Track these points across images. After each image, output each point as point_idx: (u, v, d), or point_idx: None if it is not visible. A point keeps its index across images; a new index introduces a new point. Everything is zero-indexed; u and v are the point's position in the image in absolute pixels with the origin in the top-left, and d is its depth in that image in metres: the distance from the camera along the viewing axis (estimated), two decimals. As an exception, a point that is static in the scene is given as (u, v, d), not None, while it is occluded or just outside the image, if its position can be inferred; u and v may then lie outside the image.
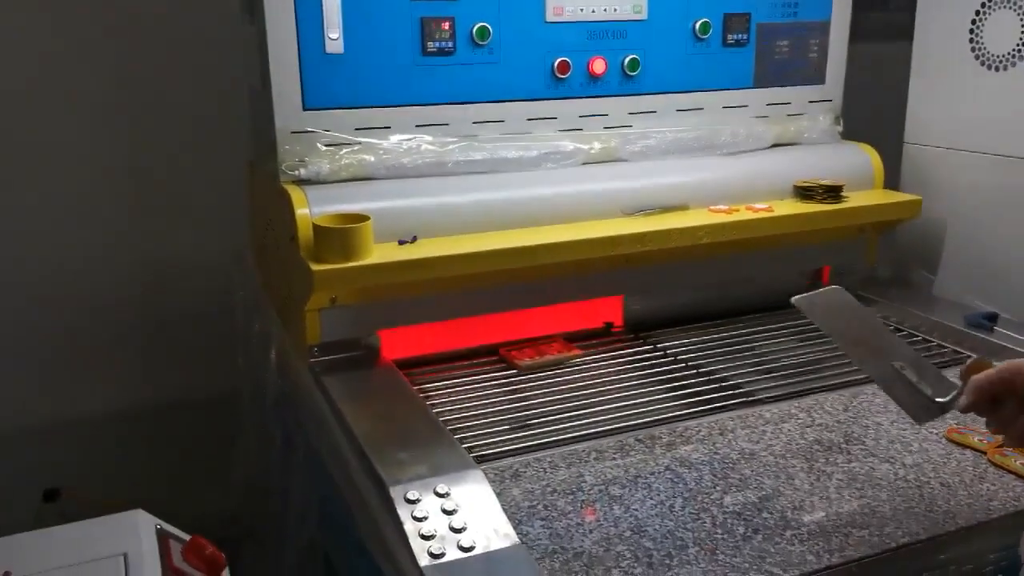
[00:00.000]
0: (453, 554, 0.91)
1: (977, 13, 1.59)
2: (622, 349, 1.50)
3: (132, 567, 0.91)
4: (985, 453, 1.14)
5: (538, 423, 1.24)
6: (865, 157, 1.67)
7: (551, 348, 1.46)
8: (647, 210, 1.47)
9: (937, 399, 0.98)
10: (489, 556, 0.92)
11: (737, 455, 1.14)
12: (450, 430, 1.17)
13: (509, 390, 1.35)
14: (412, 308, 1.36)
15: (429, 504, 0.98)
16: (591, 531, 0.98)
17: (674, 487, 1.07)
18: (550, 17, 1.45)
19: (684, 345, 1.50)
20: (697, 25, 1.54)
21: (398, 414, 1.20)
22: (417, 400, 1.24)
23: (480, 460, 1.11)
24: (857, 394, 1.30)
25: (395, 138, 1.38)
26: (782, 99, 1.67)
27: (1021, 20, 1.51)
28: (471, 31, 1.40)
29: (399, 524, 0.95)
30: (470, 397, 1.32)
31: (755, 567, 0.92)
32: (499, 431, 1.22)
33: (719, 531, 0.98)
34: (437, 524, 0.95)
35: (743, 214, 1.49)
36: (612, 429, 1.22)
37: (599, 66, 1.49)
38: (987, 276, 1.60)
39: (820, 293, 1.08)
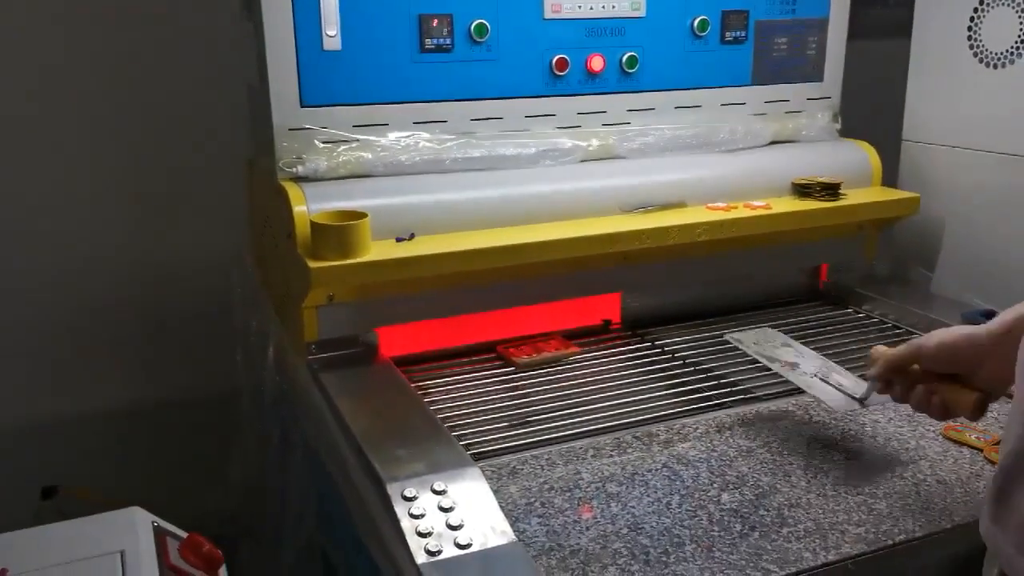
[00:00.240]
0: (450, 551, 0.91)
1: (976, 10, 1.59)
2: (620, 346, 1.50)
3: (129, 565, 0.91)
4: (982, 450, 1.14)
5: (536, 420, 1.24)
6: (863, 155, 1.67)
7: (549, 345, 1.46)
8: (645, 207, 1.47)
9: (856, 395, 1.17)
10: (486, 553, 0.92)
11: (734, 452, 1.14)
12: (448, 427, 1.17)
13: (507, 387, 1.35)
14: (410, 305, 1.36)
15: (426, 501, 0.98)
16: (588, 528, 0.98)
17: (671, 484, 1.07)
18: (548, 14, 1.45)
19: (682, 342, 1.50)
20: (695, 22, 1.54)
21: (396, 411, 1.20)
22: (415, 397, 1.24)
23: (477, 457, 1.11)
24: (854, 391, 1.30)
25: (393, 135, 1.38)
26: (780, 96, 1.67)
27: (1020, 17, 1.51)
28: (469, 28, 1.40)
29: (396, 521, 0.95)
30: (468, 394, 1.32)
31: (752, 564, 0.92)
32: (497, 428, 1.22)
33: (716, 528, 0.98)
34: (434, 521, 0.95)
35: (741, 211, 1.49)
36: (609, 426, 1.22)
37: (597, 63, 1.49)
38: (985, 274, 1.60)
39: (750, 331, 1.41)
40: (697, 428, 1.20)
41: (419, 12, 1.37)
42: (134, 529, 0.97)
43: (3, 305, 1.85)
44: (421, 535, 0.93)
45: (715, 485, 1.07)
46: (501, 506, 0.99)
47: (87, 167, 1.86)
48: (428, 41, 1.38)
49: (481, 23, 1.40)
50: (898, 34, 1.78)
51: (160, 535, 0.98)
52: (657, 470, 1.10)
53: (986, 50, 1.58)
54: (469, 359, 1.45)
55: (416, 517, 0.95)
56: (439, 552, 0.91)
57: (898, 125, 1.77)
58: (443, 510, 0.96)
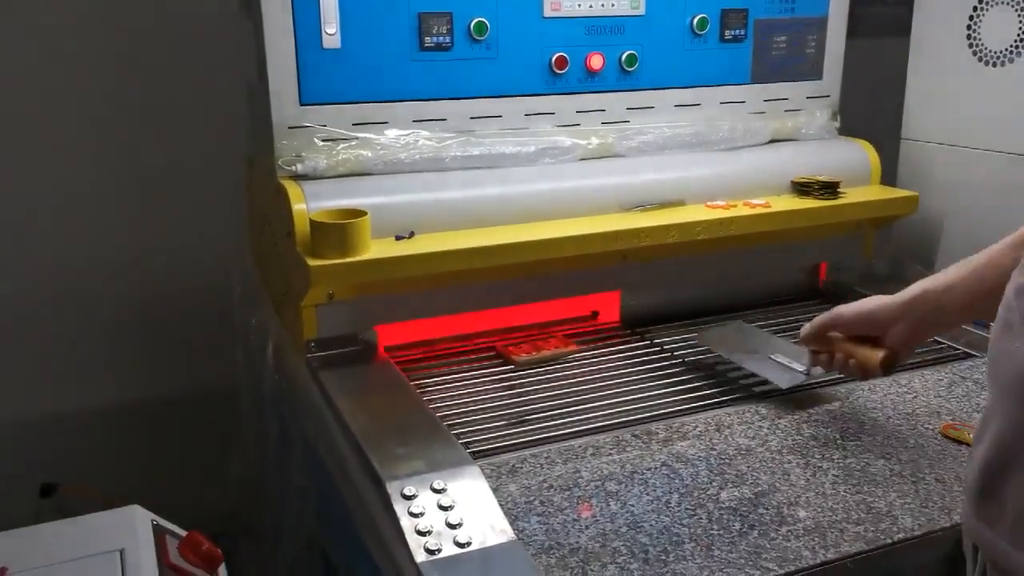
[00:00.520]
0: (449, 550, 0.92)
1: (975, 9, 1.59)
2: (619, 345, 1.50)
3: (128, 563, 0.91)
4: (981, 449, 1.14)
5: (535, 419, 1.24)
6: (862, 153, 1.67)
7: (548, 344, 1.46)
8: (644, 206, 1.47)
9: (799, 369, 1.28)
10: (485, 552, 0.92)
11: (733, 451, 1.14)
12: (447, 426, 1.17)
13: (506, 386, 1.35)
14: (409, 303, 1.36)
15: (426, 500, 0.98)
16: (587, 527, 0.99)
17: (670, 483, 1.07)
18: (548, 12, 1.45)
19: (681, 341, 1.50)
20: (695, 21, 1.54)
21: (395, 410, 1.20)
22: (414, 395, 1.24)
23: (477, 456, 1.11)
24: (853, 390, 1.30)
25: (392, 133, 1.38)
26: (780, 95, 1.67)
27: (1019, 16, 1.51)
28: (469, 26, 1.40)
29: (396, 520, 0.95)
30: (467, 392, 1.32)
31: (751, 563, 0.92)
32: (496, 427, 1.22)
33: (715, 527, 0.98)
34: (434, 520, 0.95)
35: (740, 210, 1.50)
36: (609, 425, 1.22)
37: (597, 61, 1.49)
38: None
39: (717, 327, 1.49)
40: (696, 426, 1.20)
41: (419, 10, 1.37)
42: (133, 527, 0.97)
43: (3, 303, 1.85)
44: (420, 533, 0.93)
45: (714, 483, 1.07)
46: (500, 504, 0.99)
47: (87, 166, 1.86)
48: (428, 39, 1.38)
49: (481, 21, 1.40)
50: (897, 33, 1.78)
51: (159, 533, 0.98)
52: (656, 468, 1.11)
53: (985, 49, 1.58)
54: (468, 357, 1.45)
55: (415, 515, 0.95)
56: (438, 550, 0.91)
57: (897, 124, 1.77)
58: (442, 508, 0.97)
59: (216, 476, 1.71)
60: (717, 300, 1.64)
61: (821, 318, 1.17)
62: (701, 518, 1.00)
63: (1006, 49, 1.54)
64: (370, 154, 1.36)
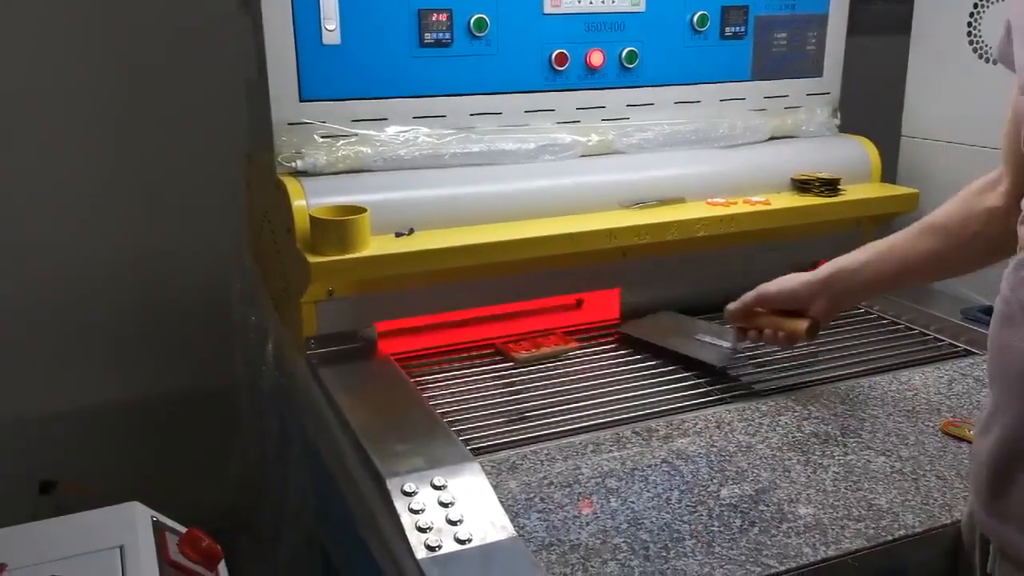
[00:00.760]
0: (450, 546, 0.91)
1: (975, 6, 1.59)
2: (619, 341, 1.49)
3: (128, 559, 0.91)
4: (981, 446, 1.14)
5: (535, 415, 1.24)
6: (862, 150, 1.67)
7: (548, 340, 1.46)
8: (644, 203, 1.47)
9: (726, 346, 1.36)
10: (486, 548, 0.92)
11: (734, 448, 1.14)
12: (447, 422, 1.17)
13: (506, 382, 1.35)
14: (409, 300, 1.36)
15: (426, 496, 0.98)
16: (588, 523, 0.98)
17: (671, 480, 1.07)
18: (548, 9, 1.44)
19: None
20: (695, 17, 1.54)
21: (395, 406, 1.20)
22: (414, 392, 1.24)
23: (477, 452, 1.11)
24: (854, 387, 1.30)
25: (392, 130, 1.38)
26: (780, 92, 1.67)
27: (1019, 13, 1.51)
28: (468, 23, 1.39)
29: (396, 516, 0.95)
30: (467, 389, 1.32)
31: (751, 559, 0.92)
32: (496, 423, 1.22)
33: (716, 524, 0.98)
34: (434, 516, 0.95)
35: (740, 207, 1.50)
36: (609, 422, 1.22)
37: (597, 58, 1.49)
38: (984, 270, 1.59)
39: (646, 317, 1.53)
40: (696, 423, 1.20)
41: (418, 6, 1.37)
42: (133, 524, 0.97)
43: (2, 300, 1.85)
44: (421, 530, 0.93)
45: (715, 480, 1.07)
46: (501, 501, 0.99)
47: (86, 164, 1.85)
48: (427, 35, 1.38)
49: (481, 17, 1.39)
50: (898, 30, 1.78)
51: (159, 530, 0.98)
52: (657, 465, 1.10)
53: (986, 46, 1.58)
54: (468, 354, 1.44)
55: (416, 512, 0.95)
56: (439, 547, 0.91)
57: (897, 121, 1.77)
58: (443, 505, 0.96)
59: (216, 473, 1.70)
60: (716, 297, 1.63)
61: (747, 297, 1.28)
62: (702, 515, 1.00)
63: (1006, 46, 1.54)
64: (370, 151, 1.35)
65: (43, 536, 0.95)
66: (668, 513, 1.00)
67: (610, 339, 1.50)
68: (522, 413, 1.25)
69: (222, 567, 1.01)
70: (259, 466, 1.55)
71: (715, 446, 1.15)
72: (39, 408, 1.93)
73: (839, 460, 1.11)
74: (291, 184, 1.29)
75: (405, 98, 1.40)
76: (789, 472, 1.08)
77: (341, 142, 1.35)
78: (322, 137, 1.34)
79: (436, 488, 0.99)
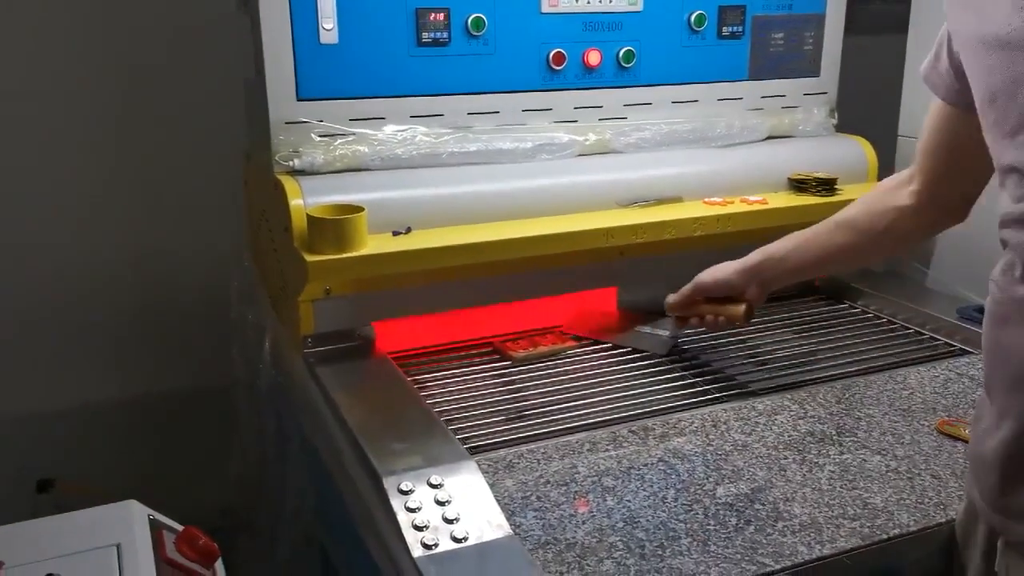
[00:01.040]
0: (446, 545, 0.92)
1: (972, 6, 1.59)
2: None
3: (125, 558, 0.91)
4: (976, 445, 1.15)
5: (532, 414, 1.25)
6: (860, 150, 1.67)
7: (545, 339, 1.46)
8: (641, 202, 1.47)
9: (665, 335, 1.45)
10: (482, 547, 0.92)
11: (730, 447, 1.14)
12: (444, 421, 1.17)
13: (503, 381, 1.35)
14: (406, 299, 1.36)
15: (422, 495, 0.98)
16: (584, 522, 0.99)
17: (667, 478, 1.07)
18: (545, 8, 1.45)
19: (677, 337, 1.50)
20: (692, 17, 1.54)
21: (392, 405, 1.20)
22: (411, 391, 1.24)
23: (474, 451, 1.11)
24: (849, 386, 1.31)
25: (389, 129, 1.38)
26: (777, 92, 1.67)
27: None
28: (466, 22, 1.39)
29: (392, 515, 0.95)
30: (464, 388, 1.32)
31: (747, 558, 0.92)
32: (493, 422, 1.22)
33: (711, 522, 0.99)
34: (430, 515, 0.95)
35: (737, 206, 1.50)
36: (605, 420, 1.22)
37: (594, 57, 1.49)
38: (980, 270, 1.59)
39: None
40: (693, 422, 1.21)
41: (416, 5, 1.37)
42: (130, 522, 0.97)
43: (1, 298, 1.85)
44: (417, 528, 0.93)
45: (711, 479, 1.07)
46: (497, 500, 0.99)
47: (85, 163, 1.85)
48: (425, 35, 1.38)
49: (478, 17, 1.39)
50: (895, 29, 1.78)
51: (156, 528, 0.98)
52: (653, 464, 1.11)
53: (982, 46, 1.58)
54: (465, 353, 1.45)
55: (412, 510, 0.95)
56: (435, 545, 0.91)
57: (894, 121, 1.77)
58: (439, 503, 0.97)
59: (213, 471, 1.71)
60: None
61: (686, 289, 1.35)
62: (697, 513, 1.00)
63: (1003, 46, 1.54)
64: (367, 150, 1.36)
65: (41, 534, 0.96)
66: (664, 512, 1.01)
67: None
68: (519, 412, 1.26)
69: (219, 565, 1.01)
70: (257, 465, 1.55)
71: (711, 445, 1.15)
72: (37, 406, 1.92)
73: (835, 459, 1.11)
74: (289, 183, 1.29)
75: (403, 97, 1.40)
76: (785, 471, 1.09)
77: (339, 141, 1.35)
78: (320, 136, 1.35)
79: (433, 486, 0.99)
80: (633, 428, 1.19)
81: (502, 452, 1.13)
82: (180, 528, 1.01)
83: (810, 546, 0.94)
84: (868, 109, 1.79)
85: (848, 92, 1.74)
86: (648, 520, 0.99)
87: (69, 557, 0.91)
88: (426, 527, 0.93)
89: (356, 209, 1.25)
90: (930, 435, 1.17)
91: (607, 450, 1.14)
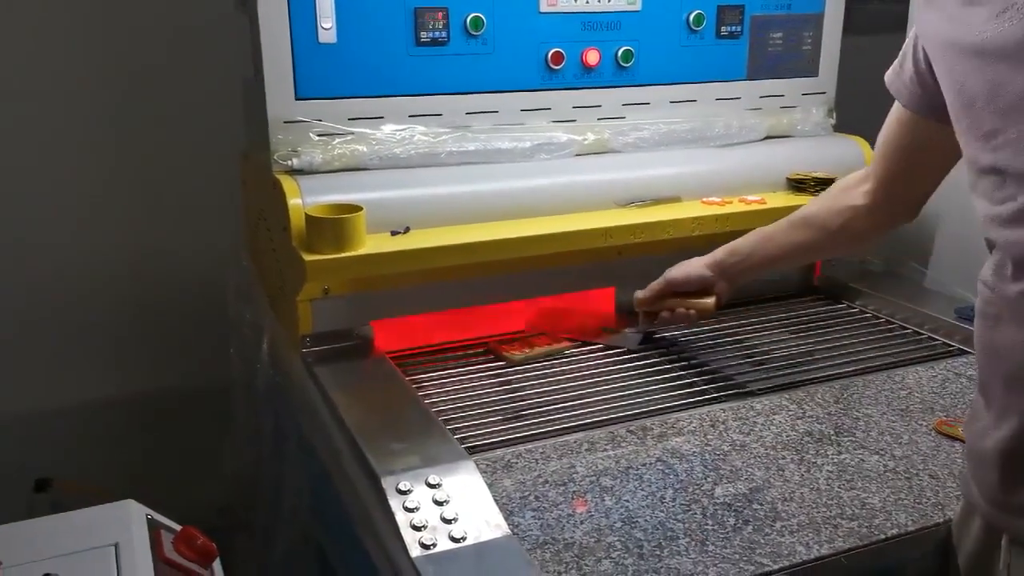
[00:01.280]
0: (444, 545, 0.92)
1: (970, 6, 1.59)
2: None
3: (123, 557, 0.91)
4: (974, 445, 1.15)
5: (530, 414, 1.24)
6: (858, 150, 1.67)
7: (541, 340, 1.46)
8: (640, 202, 1.47)
9: (632, 332, 1.47)
10: (480, 547, 0.92)
11: (728, 446, 1.14)
12: (442, 421, 1.17)
13: (501, 381, 1.35)
14: (405, 299, 1.36)
15: (420, 495, 0.98)
16: (582, 522, 0.99)
17: (665, 478, 1.07)
18: (544, 8, 1.44)
19: (676, 337, 1.50)
20: (691, 17, 1.54)
21: (390, 405, 1.20)
22: (409, 391, 1.24)
23: (472, 451, 1.11)
24: (848, 386, 1.31)
25: (388, 128, 1.38)
26: (775, 91, 1.67)
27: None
28: (465, 21, 1.39)
29: (390, 514, 0.95)
30: (462, 388, 1.32)
31: (745, 558, 0.92)
32: (491, 422, 1.22)
33: (709, 522, 0.99)
34: (428, 515, 0.95)
35: (736, 206, 1.50)
36: (603, 420, 1.22)
37: (593, 57, 1.49)
38: (978, 269, 1.60)
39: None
40: (691, 422, 1.21)
41: (415, 5, 1.36)
42: (128, 522, 0.97)
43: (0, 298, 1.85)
44: (415, 528, 0.93)
45: (709, 479, 1.07)
46: (495, 500, 0.99)
47: (84, 162, 1.85)
48: (424, 34, 1.38)
49: (477, 16, 1.39)
50: (894, 29, 1.78)
51: (154, 528, 0.98)
52: (651, 464, 1.11)
53: (981, 46, 1.58)
54: (464, 352, 1.44)
55: (410, 510, 0.95)
56: (433, 545, 0.91)
57: (893, 121, 1.77)
58: (437, 503, 0.97)
59: (211, 471, 1.70)
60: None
61: (655, 285, 1.40)
62: (695, 513, 1.00)
63: (1001, 46, 1.54)
64: (365, 149, 1.35)
65: (38, 534, 0.95)
66: (662, 512, 1.01)
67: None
68: (517, 412, 1.25)
69: (217, 565, 1.01)
70: (255, 464, 1.55)
71: (709, 445, 1.15)
72: (35, 406, 1.92)
73: (833, 459, 1.11)
74: (287, 182, 1.29)
75: (401, 96, 1.40)
76: (783, 471, 1.09)
77: (337, 140, 1.35)
78: (318, 135, 1.34)
79: (431, 486, 0.99)
80: (631, 428, 1.19)
81: (500, 452, 1.13)
82: (178, 528, 1.01)
83: (808, 546, 0.94)
84: (866, 109, 1.78)
85: (846, 92, 1.74)
86: (646, 520, 0.99)
87: (66, 557, 0.91)
88: (424, 527, 0.93)
89: (354, 209, 1.25)
90: (928, 435, 1.17)
91: (605, 450, 1.14)
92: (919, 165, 1.15)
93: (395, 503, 0.96)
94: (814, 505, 1.02)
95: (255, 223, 1.55)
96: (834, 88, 1.73)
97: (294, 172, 1.33)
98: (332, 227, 1.23)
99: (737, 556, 0.93)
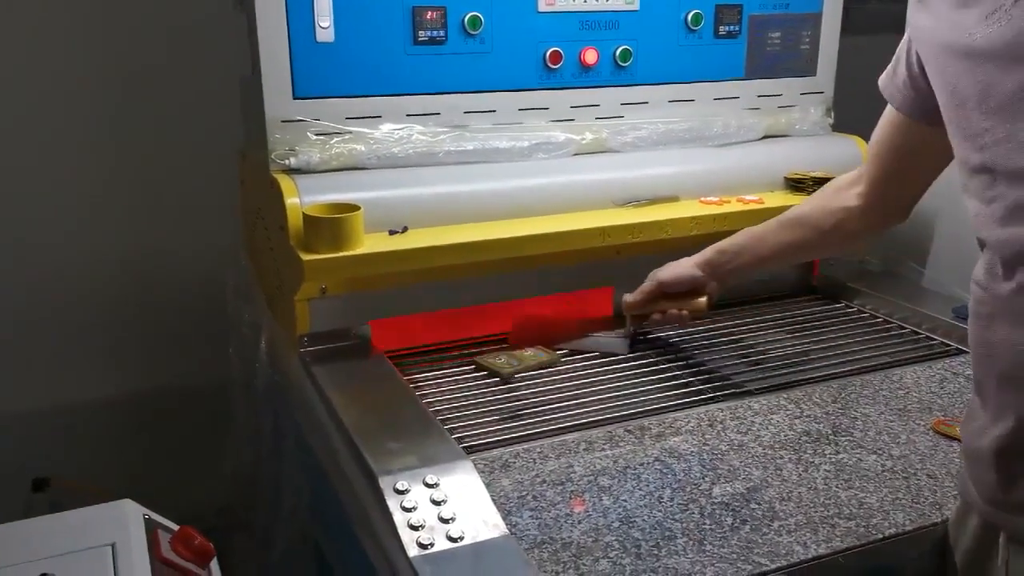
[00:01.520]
0: (442, 544, 0.92)
1: (969, 6, 1.59)
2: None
3: (120, 557, 0.91)
4: (972, 445, 1.15)
5: (528, 414, 1.24)
6: (856, 150, 1.67)
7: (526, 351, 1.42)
8: (638, 201, 1.47)
9: (616, 337, 1.45)
10: (478, 546, 0.92)
11: (726, 446, 1.14)
12: (440, 420, 1.17)
13: (499, 381, 1.35)
14: (403, 298, 1.35)
15: (418, 494, 0.98)
16: (580, 522, 0.99)
17: (663, 478, 1.07)
18: (542, 7, 1.44)
19: (674, 337, 1.50)
20: (689, 16, 1.54)
21: (388, 404, 1.20)
22: (407, 390, 1.24)
23: (470, 450, 1.11)
24: (845, 386, 1.31)
25: (386, 127, 1.38)
26: (773, 91, 1.67)
27: (1012, 13, 1.51)
28: (463, 20, 1.39)
29: (388, 514, 0.95)
30: (460, 387, 1.32)
31: (743, 557, 0.92)
32: (489, 422, 1.22)
33: (707, 522, 0.99)
34: (426, 514, 0.95)
35: (734, 206, 1.50)
36: (601, 420, 1.22)
37: (591, 56, 1.49)
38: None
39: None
40: (689, 422, 1.21)
41: (413, 4, 1.36)
42: (125, 522, 0.97)
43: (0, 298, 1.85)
44: (413, 528, 0.93)
45: (707, 479, 1.07)
46: (493, 499, 0.99)
47: (83, 162, 1.85)
48: (421, 33, 1.38)
49: (475, 15, 1.39)
50: (892, 29, 1.78)
51: (151, 528, 0.98)
52: (649, 464, 1.11)
53: (979, 45, 1.58)
54: (461, 352, 1.44)
55: (408, 510, 0.95)
56: (431, 545, 0.91)
57: (891, 120, 1.77)
58: (435, 503, 0.97)
59: (209, 471, 1.70)
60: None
61: (646, 287, 1.40)
62: (693, 513, 1.00)
63: (999, 46, 1.54)
64: (363, 148, 1.35)
65: (35, 533, 0.95)
66: (660, 511, 1.01)
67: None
68: (515, 411, 1.25)
69: (214, 565, 1.01)
70: (253, 464, 1.55)
71: (707, 444, 1.15)
72: (34, 405, 1.92)
73: (830, 459, 1.11)
74: (284, 181, 1.29)
75: (399, 96, 1.39)
76: (781, 470, 1.09)
77: (335, 139, 1.35)
78: (316, 135, 1.34)
79: (428, 486, 0.99)
80: (629, 428, 1.19)
81: (498, 452, 1.13)
82: (175, 527, 1.01)
83: (806, 545, 0.94)
84: (864, 109, 1.78)
85: (844, 91, 1.74)
86: (644, 520, 0.99)
87: (63, 557, 0.91)
88: (422, 527, 0.93)
89: (352, 208, 1.25)
90: (926, 435, 1.17)
91: (603, 450, 1.14)
92: (912, 167, 1.16)
93: (393, 502, 0.96)
94: (812, 505, 1.02)
95: (253, 222, 1.55)
96: (832, 88, 1.73)
97: (292, 171, 1.33)
98: (330, 226, 1.23)
99: (735, 556, 0.93)
